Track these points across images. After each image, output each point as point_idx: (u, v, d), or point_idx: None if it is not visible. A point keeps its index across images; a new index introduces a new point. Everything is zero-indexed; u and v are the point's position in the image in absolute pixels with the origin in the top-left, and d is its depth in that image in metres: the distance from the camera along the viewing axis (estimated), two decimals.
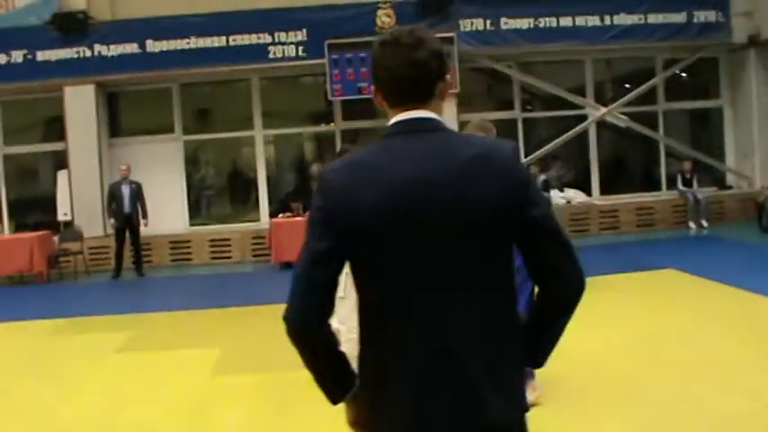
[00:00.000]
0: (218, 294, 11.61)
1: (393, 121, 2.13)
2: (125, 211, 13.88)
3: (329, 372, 2.18)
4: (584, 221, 15.40)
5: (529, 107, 16.59)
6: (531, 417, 2.17)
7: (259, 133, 16.02)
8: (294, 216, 14.07)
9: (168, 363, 7.36)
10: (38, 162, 16.60)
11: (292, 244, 11.92)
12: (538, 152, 15.75)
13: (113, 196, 14.05)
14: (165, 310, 10.34)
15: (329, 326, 2.13)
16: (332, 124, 16.20)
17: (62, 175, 15.27)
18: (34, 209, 16.40)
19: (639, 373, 6.01)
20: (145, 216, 14.03)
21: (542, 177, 15.09)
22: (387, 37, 2.12)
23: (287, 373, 6.40)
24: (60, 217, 15.39)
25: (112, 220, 14.05)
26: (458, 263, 2.00)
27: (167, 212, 15.43)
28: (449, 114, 14.90)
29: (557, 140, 15.82)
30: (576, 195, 15.85)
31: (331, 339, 2.15)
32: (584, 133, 16.10)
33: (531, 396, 4.88)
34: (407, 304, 2.01)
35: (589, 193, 16.08)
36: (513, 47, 15.11)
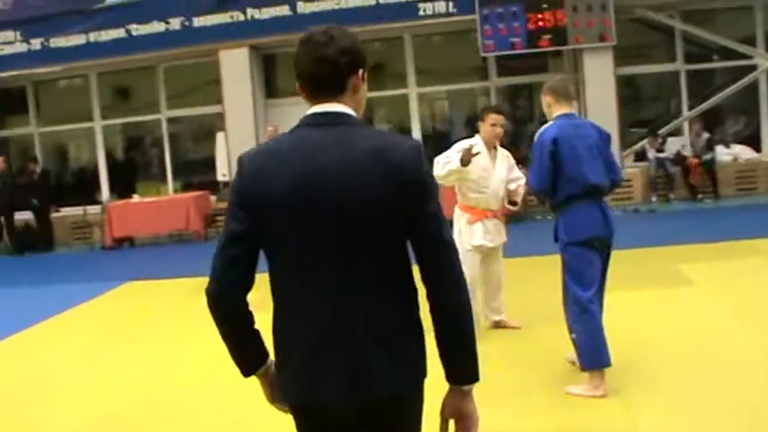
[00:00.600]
0: None
1: (307, 113, 2.32)
2: None
3: (243, 345, 2.38)
4: (752, 179, 14.46)
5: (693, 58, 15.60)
6: None
7: (413, 91, 15.89)
8: None
9: None
10: (200, 124, 17.11)
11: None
12: (701, 105, 14.88)
13: None
14: None
15: (247, 302, 2.32)
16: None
17: (220, 137, 15.73)
18: (197, 170, 17.00)
19: None
20: None
21: (705, 135, 14.22)
22: (304, 35, 2.33)
23: None
24: (219, 177, 15.90)
25: None
26: (352, 244, 2.19)
27: None
28: (605, 68, 14.30)
29: (722, 93, 14.88)
30: (743, 152, 14.86)
31: (248, 314, 2.36)
32: (754, 86, 15.05)
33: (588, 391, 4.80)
34: (307, 280, 2.22)
35: (758, 150, 15.05)
36: None
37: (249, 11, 15.10)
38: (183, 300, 8.77)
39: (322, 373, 2.21)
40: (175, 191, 16.48)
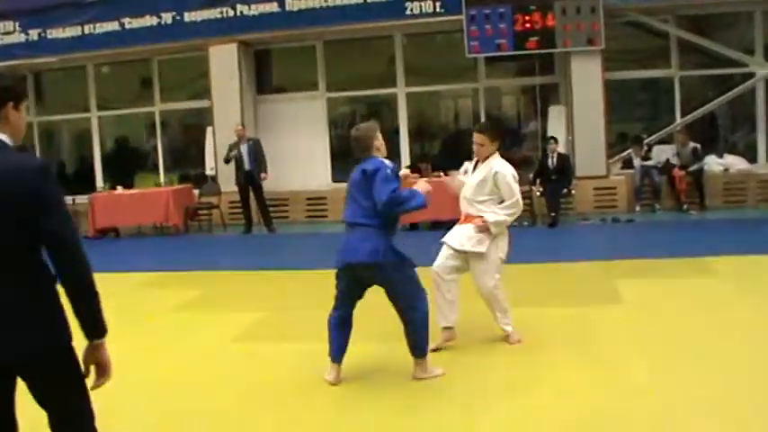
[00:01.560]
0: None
1: None
2: (245, 167, 14.06)
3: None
4: (741, 191, 13.98)
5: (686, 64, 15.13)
6: None
7: (401, 91, 15.76)
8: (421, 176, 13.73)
9: (205, 325, 7.31)
10: (191, 118, 17.23)
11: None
12: (692, 114, 14.47)
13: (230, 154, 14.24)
14: (264, 268, 10.36)
15: None
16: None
17: (209, 131, 15.80)
18: (187, 163, 17.12)
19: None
20: (264, 171, 14.16)
21: (692, 145, 13.77)
22: None
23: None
24: (207, 171, 15.97)
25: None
26: None
27: (310, 169, 15.70)
28: (593, 72, 14.01)
29: (716, 101, 14.44)
30: (736, 162, 14.40)
31: None
32: (751, 94, 14.57)
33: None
34: None
35: (753, 161, 14.57)
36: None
37: (239, 6, 15.11)
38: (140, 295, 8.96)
39: None
40: (172, 182, 16.58)
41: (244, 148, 14.11)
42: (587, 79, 14.09)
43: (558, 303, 7.22)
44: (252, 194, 14.26)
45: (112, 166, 17.29)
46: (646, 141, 14.27)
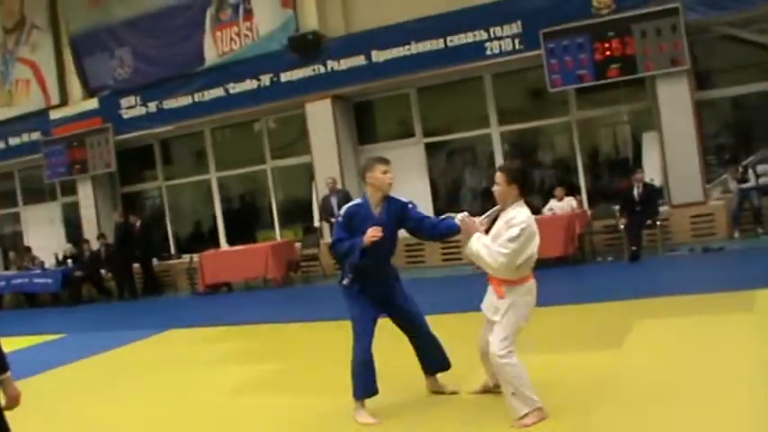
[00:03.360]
0: None
1: None
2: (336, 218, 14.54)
3: None
4: None
5: None
6: None
7: (496, 131, 15.74)
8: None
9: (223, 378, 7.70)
10: (300, 173, 17.92)
11: None
12: None
13: (324, 207, 14.92)
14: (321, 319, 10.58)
15: None
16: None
17: (313, 185, 16.42)
18: (304, 217, 17.79)
19: None
20: None
21: None
22: None
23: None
24: (315, 224, 16.61)
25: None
26: None
27: None
28: (681, 93, 13.40)
29: None
30: None
31: None
32: None
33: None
34: None
35: None
36: (754, 8, 13.08)
37: (329, 63, 15.74)
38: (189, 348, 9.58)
39: None
40: (288, 237, 17.31)
41: (334, 200, 14.62)
42: (676, 101, 13.45)
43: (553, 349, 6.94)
44: None
45: (233, 224, 18.30)
46: (744, 163, 13.42)
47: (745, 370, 5.53)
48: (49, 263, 18.48)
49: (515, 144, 16.10)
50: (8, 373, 3.69)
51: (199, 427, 6.14)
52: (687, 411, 4.86)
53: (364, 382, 5.56)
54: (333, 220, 14.62)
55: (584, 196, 14.92)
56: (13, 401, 3.75)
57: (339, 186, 15.04)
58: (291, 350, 8.90)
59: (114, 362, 9.52)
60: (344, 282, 5.64)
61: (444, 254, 15.10)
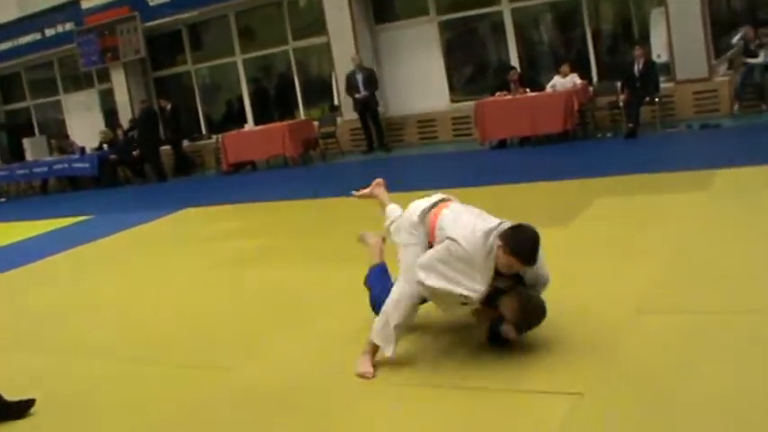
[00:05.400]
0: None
1: None
2: (360, 94, 15.54)
3: None
4: None
5: None
6: None
7: (507, 7, 15.77)
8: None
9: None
10: (320, 54, 18.22)
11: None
12: None
13: (350, 83, 15.59)
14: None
15: None
16: None
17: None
18: (325, 96, 18.25)
19: None
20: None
21: None
22: None
23: None
24: (336, 103, 17.16)
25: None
26: None
27: (427, 92, 16.32)
28: None
29: None
30: None
31: None
32: None
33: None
34: None
35: None
36: None
37: None
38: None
39: None
40: (312, 117, 17.84)
41: (359, 76, 15.52)
42: None
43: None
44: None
45: (261, 105, 18.89)
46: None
47: (652, 245, 6.01)
48: (90, 148, 19.41)
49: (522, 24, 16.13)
50: None
51: (170, 298, 6.88)
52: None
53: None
54: (356, 95, 15.52)
55: (593, 72, 15.04)
56: None
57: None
58: (286, 226, 9.51)
59: (121, 242, 10.26)
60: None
61: (455, 130, 15.67)
